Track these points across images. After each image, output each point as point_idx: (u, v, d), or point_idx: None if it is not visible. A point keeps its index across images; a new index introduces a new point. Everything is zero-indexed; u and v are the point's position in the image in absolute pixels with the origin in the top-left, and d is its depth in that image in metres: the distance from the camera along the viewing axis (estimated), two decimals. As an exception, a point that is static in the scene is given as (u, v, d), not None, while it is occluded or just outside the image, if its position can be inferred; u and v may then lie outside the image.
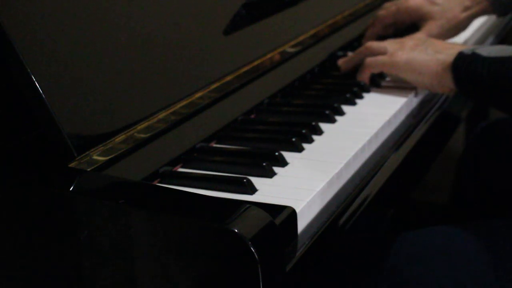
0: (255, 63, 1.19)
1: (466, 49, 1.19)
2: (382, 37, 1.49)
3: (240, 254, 0.72)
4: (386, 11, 1.48)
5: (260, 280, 0.72)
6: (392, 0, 1.52)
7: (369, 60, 1.29)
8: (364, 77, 1.30)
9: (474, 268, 1.08)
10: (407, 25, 1.51)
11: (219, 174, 0.96)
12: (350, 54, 1.46)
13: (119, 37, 0.99)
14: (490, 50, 1.15)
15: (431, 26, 1.43)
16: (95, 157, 0.87)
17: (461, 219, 1.24)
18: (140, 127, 0.94)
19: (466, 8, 1.44)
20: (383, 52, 1.28)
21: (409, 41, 1.29)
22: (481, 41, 1.60)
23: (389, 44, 1.29)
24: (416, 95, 1.27)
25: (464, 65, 1.17)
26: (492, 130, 1.54)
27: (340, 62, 1.37)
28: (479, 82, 1.15)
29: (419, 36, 1.32)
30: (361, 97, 1.26)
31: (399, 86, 1.29)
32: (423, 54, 1.23)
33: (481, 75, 1.14)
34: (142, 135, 0.94)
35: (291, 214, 0.82)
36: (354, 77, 1.32)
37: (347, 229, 0.93)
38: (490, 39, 1.63)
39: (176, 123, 1.00)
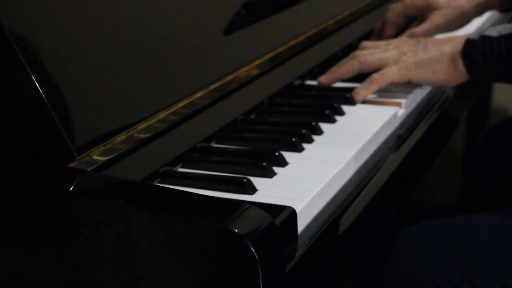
0: (255, 63, 1.19)
1: (472, 35, 1.19)
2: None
3: (240, 254, 0.72)
4: (393, 12, 1.48)
5: (260, 280, 0.72)
6: (396, 2, 1.53)
7: (377, 76, 1.22)
8: (369, 92, 1.22)
9: (478, 260, 1.08)
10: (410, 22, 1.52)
11: (219, 174, 0.96)
12: (352, 53, 1.46)
13: (119, 37, 0.99)
14: (498, 30, 1.16)
15: (436, 16, 1.42)
16: (95, 157, 0.87)
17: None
18: (140, 127, 0.94)
19: None
20: (383, 64, 1.24)
21: (403, 44, 1.26)
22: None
23: (385, 54, 1.25)
24: (414, 96, 1.27)
25: (477, 49, 1.16)
26: (503, 128, 1.54)
27: (323, 78, 1.28)
28: (499, 62, 1.15)
29: (403, 38, 1.30)
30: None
31: (399, 85, 1.28)
32: (428, 53, 1.22)
33: (500, 54, 1.14)
34: (142, 135, 0.94)
35: (291, 214, 0.82)
36: (354, 77, 1.31)
37: (347, 229, 0.93)
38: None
39: (176, 123, 1.00)
